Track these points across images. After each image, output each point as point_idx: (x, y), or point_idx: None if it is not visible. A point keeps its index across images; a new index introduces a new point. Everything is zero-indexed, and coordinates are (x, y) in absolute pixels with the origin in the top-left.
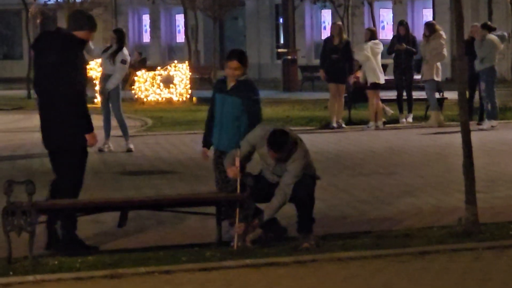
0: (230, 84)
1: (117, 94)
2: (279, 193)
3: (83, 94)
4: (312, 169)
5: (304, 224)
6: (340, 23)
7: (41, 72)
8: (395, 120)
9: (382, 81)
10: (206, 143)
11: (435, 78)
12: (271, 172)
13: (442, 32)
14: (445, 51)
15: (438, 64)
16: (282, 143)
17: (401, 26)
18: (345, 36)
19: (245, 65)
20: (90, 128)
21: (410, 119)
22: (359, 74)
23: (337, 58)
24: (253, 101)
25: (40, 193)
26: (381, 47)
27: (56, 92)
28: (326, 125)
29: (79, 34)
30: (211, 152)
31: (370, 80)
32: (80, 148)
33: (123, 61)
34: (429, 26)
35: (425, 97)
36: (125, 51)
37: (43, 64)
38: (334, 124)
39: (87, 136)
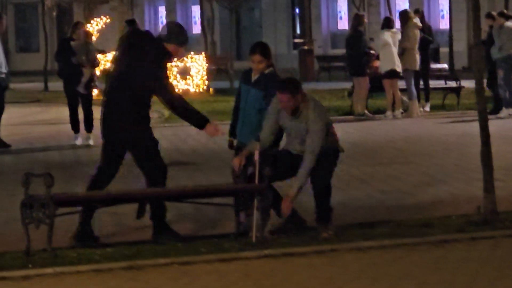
0: (255, 76)
1: None
2: (308, 155)
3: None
4: (334, 138)
5: (323, 214)
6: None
7: (119, 67)
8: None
9: (399, 69)
10: (232, 133)
11: (413, 68)
12: (293, 138)
13: (416, 21)
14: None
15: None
16: (289, 83)
17: (416, 14)
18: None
19: (268, 58)
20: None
21: (427, 108)
22: (377, 63)
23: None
24: (272, 95)
25: (58, 185)
26: (399, 36)
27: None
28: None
29: (168, 46)
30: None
31: (387, 67)
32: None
33: None
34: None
35: (443, 86)
36: None
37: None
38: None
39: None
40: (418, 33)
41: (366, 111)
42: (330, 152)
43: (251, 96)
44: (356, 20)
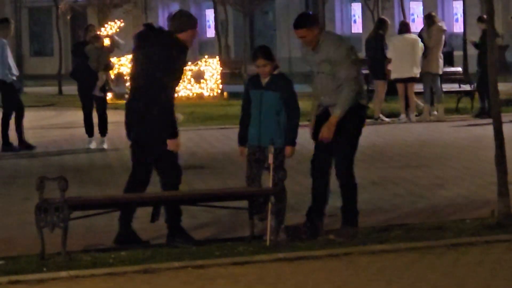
0: (265, 79)
1: None
2: (345, 83)
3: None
4: (358, 85)
5: (348, 216)
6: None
7: (137, 66)
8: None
9: (415, 74)
10: (243, 141)
11: (434, 71)
12: (320, 91)
13: (440, 24)
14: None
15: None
16: (303, 16)
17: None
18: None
19: (272, 60)
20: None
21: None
22: (390, 67)
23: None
24: (290, 93)
25: (72, 189)
26: (416, 40)
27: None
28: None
29: (181, 36)
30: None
31: (404, 74)
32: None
33: None
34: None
35: (457, 89)
36: None
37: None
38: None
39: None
40: (442, 37)
41: (380, 115)
42: (352, 113)
43: (266, 99)
44: (378, 23)
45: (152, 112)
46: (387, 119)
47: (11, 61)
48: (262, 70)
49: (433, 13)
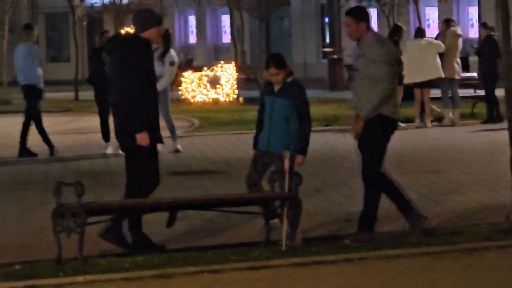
0: (278, 86)
1: (166, 95)
2: (379, 81)
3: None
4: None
5: (364, 220)
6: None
7: (112, 72)
8: (441, 118)
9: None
10: (256, 145)
11: (450, 76)
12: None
13: (455, 29)
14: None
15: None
16: (356, 9)
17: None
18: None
19: (284, 68)
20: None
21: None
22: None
23: None
24: (301, 101)
25: (89, 194)
26: (431, 45)
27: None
28: None
29: (145, 35)
30: None
31: (420, 78)
32: (150, 146)
33: (172, 63)
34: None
35: (473, 94)
36: (173, 52)
37: (111, 66)
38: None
39: (138, 136)
40: (458, 42)
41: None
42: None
43: (278, 106)
44: (393, 29)
45: (120, 110)
46: (402, 125)
47: (40, 70)
48: (274, 78)
49: (451, 18)
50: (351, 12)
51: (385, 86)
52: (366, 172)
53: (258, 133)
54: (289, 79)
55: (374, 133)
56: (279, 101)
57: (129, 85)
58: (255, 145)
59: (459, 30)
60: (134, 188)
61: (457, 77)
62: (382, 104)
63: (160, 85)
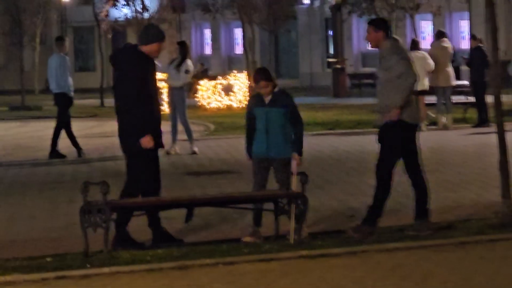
0: (267, 97)
1: (183, 101)
2: (402, 80)
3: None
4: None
5: (369, 213)
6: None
7: (115, 82)
8: (434, 123)
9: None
10: (251, 154)
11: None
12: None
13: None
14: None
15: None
16: (376, 19)
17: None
18: None
19: (271, 80)
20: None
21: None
22: None
23: None
24: (292, 107)
25: (113, 192)
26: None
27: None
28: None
29: (146, 48)
30: None
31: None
32: (150, 151)
33: (187, 71)
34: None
35: (464, 100)
36: (189, 62)
37: (119, 76)
38: None
39: (142, 140)
40: (446, 53)
41: None
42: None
43: (273, 115)
44: None
45: (122, 117)
46: None
47: (70, 79)
48: (264, 90)
49: (442, 30)
50: (371, 22)
51: (409, 81)
52: (377, 172)
53: (250, 144)
54: (276, 90)
55: (394, 137)
56: (274, 111)
57: (129, 93)
58: (251, 154)
59: (445, 43)
60: (132, 191)
61: (447, 84)
62: (404, 108)
63: (172, 83)
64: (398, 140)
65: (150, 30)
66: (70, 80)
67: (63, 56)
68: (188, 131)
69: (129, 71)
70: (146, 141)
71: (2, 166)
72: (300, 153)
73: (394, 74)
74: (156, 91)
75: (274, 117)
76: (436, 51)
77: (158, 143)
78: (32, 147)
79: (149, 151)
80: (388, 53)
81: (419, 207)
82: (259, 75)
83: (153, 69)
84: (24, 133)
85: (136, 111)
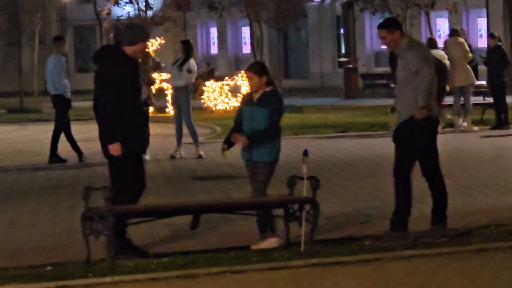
0: (257, 96)
1: (187, 102)
2: (420, 74)
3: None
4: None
5: (394, 219)
6: None
7: (96, 85)
8: (451, 125)
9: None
10: (227, 140)
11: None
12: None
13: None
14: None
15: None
16: (388, 20)
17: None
18: None
19: (259, 74)
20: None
21: (466, 124)
22: None
23: None
24: (274, 110)
25: None
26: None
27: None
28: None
29: (129, 49)
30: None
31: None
32: (132, 155)
33: (189, 70)
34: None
35: (481, 101)
36: (192, 61)
37: (97, 77)
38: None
39: (110, 147)
40: (461, 51)
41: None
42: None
43: (257, 115)
44: None
45: (100, 119)
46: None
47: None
48: (249, 83)
49: (456, 28)
50: (382, 25)
51: (428, 78)
52: (394, 174)
53: (231, 133)
54: (268, 89)
55: (412, 135)
56: (258, 110)
57: (107, 95)
58: (226, 141)
59: (460, 39)
60: (118, 195)
61: (462, 84)
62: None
63: (175, 83)
64: (416, 139)
65: (134, 30)
66: (67, 81)
67: (59, 57)
68: (194, 134)
69: (112, 73)
70: (115, 149)
71: (0, 171)
72: (248, 138)
73: (412, 69)
74: (139, 94)
75: (257, 117)
76: (452, 48)
77: (141, 148)
78: (31, 151)
79: (132, 156)
80: (406, 49)
81: (436, 212)
82: (248, 66)
83: (136, 71)
84: (23, 136)
85: (117, 115)
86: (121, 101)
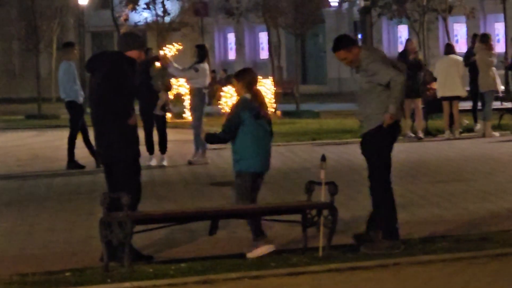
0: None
1: (197, 107)
2: (392, 85)
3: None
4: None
5: (383, 228)
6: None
7: (92, 90)
8: (470, 130)
9: (462, 93)
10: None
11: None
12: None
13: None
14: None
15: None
16: (340, 40)
17: (475, 38)
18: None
19: (237, 80)
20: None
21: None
22: (435, 85)
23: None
24: (229, 114)
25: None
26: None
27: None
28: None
29: (129, 54)
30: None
31: (451, 93)
32: (131, 160)
33: (195, 69)
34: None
35: (499, 106)
36: (203, 64)
37: (93, 82)
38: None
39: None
40: (485, 57)
41: (408, 131)
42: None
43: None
44: (407, 44)
45: (98, 124)
46: (414, 136)
47: (79, 85)
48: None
49: (484, 34)
50: (338, 47)
51: (400, 82)
52: (374, 180)
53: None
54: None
55: (379, 142)
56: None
57: (108, 99)
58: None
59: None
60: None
61: (484, 90)
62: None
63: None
64: (386, 145)
65: (129, 37)
66: (78, 87)
67: (69, 63)
68: (197, 137)
69: (113, 77)
70: (133, 121)
71: (18, 177)
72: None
73: (383, 82)
74: (133, 98)
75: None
76: (481, 54)
77: (136, 152)
78: (50, 157)
79: (131, 160)
80: (368, 62)
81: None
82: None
83: (131, 76)
84: (41, 142)
85: (119, 119)
86: (123, 104)
